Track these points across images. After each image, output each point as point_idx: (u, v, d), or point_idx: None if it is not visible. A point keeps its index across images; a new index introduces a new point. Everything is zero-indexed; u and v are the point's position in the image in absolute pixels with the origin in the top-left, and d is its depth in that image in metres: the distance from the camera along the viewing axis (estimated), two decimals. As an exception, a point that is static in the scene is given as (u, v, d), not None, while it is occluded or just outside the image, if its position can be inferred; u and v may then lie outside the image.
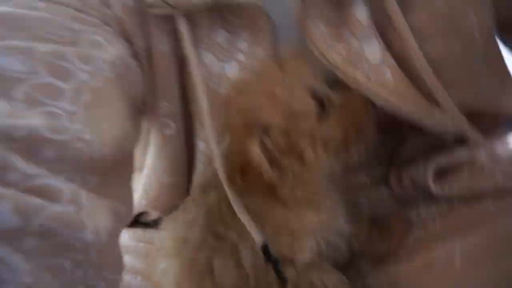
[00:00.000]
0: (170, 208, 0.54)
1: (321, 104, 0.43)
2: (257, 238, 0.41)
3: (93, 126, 0.35)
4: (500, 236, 0.40)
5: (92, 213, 0.31)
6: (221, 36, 0.45)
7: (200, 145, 0.48)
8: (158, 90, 0.47)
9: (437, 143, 0.47)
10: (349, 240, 0.46)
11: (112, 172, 0.37)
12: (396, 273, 0.45)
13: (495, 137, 0.46)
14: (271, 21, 0.45)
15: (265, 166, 0.40)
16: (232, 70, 0.45)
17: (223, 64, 0.46)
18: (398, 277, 0.45)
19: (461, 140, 0.45)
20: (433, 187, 0.46)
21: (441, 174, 0.46)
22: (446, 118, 0.42)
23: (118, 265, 0.34)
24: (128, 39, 0.43)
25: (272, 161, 0.41)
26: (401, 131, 0.52)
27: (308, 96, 0.42)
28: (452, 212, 0.45)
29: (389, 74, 0.42)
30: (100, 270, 0.31)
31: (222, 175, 0.41)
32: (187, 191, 0.52)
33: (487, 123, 0.45)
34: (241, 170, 0.41)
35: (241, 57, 0.46)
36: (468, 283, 0.39)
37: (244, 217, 0.41)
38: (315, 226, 0.43)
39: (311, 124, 0.42)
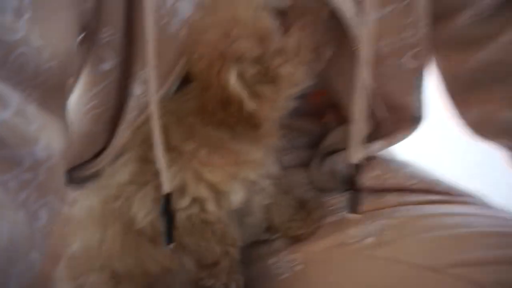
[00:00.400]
0: (76, 161, 0.51)
1: (283, 19, 0.43)
2: (166, 186, 0.42)
3: (43, 32, 0.32)
4: (403, 221, 0.48)
5: (43, 128, 0.30)
6: None
7: (136, 90, 0.46)
8: (103, 11, 0.44)
9: None
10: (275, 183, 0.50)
11: (55, 92, 0.35)
12: (312, 250, 0.50)
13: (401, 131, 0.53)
14: None
15: (245, 97, 0.40)
16: (185, 8, 0.43)
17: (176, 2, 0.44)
18: (313, 253, 0.49)
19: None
20: (350, 177, 0.50)
21: (358, 166, 0.51)
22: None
23: (62, 193, 0.32)
24: None
25: (250, 91, 0.41)
26: (326, 123, 0.58)
27: (270, 15, 0.42)
28: (363, 201, 0.50)
29: None
30: (45, 194, 0.29)
31: (155, 124, 0.41)
32: (105, 143, 0.51)
33: (398, 116, 0.52)
34: (221, 103, 0.41)
35: None
36: (377, 259, 0.44)
37: (161, 164, 0.42)
38: (256, 161, 0.46)
39: (279, 41, 0.42)
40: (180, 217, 0.44)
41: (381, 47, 0.47)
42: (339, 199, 0.55)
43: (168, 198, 0.43)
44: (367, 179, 0.52)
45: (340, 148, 0.54)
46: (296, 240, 0.52)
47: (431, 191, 0.52)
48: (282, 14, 0.43)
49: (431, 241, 0.43)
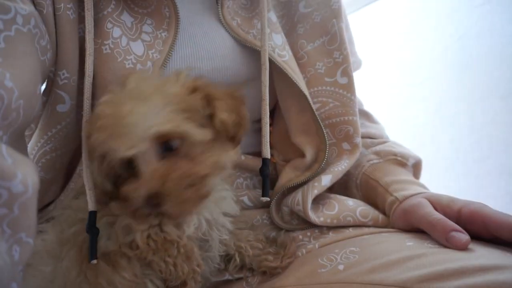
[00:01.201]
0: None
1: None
2: (90, 204, 0.45)
3: (13, 73, 0.36)
4: (364, 247, 0.51)
5: (18, 164, 0.31)
6: (127, 18, 0.52)
7: None
8: (60, 55, 0.50)
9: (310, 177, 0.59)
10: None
11: (21, 134, 0.38)
12: (285, 283, 0.51)
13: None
14: (176, 10, 0.54)
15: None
16: (138, 48, 0.53)
17: (129, 42, 0.52)
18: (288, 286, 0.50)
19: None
20: (312, 217, 0.56)
21: (316, 206, 0.58)
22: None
23: (33, 229, 0.33)
24: (36, 4, 0.47)
25: None
26: (275, 163, 0.65)
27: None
28: (324, 236, 0.56)
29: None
30: (18, 230, 0.30)
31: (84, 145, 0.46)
32: (55, 193, 0.55)
33: (343, 139, 0.62)
34: None
35: (146, 37, 0.53)
36: (353, 282, 0.46)
37: (86, 183, 0.46)
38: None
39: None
40: (141, 237, 0.45)
41: (318, 69, 0.61)
42: (305, 234, 0.58)
43: (92, 216, 0.45)
44: (327, 217, 0.57)
45: (295, 186, 0.59)
46: (270, 273, 0.53)
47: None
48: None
49: (393, 262, 0.45)
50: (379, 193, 0.59)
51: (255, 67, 0.58)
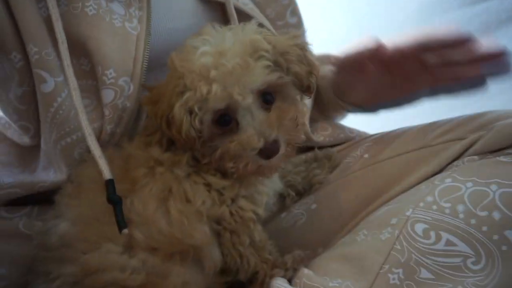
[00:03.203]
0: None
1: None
2: (105, 173, 0.45)
3: None
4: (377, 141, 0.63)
5: None
6: None
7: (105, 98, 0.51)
8: (22, 30, 0.47)
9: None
10: None
11: None
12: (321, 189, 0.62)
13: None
14: None
15: (185, 121, 0.43)
16: (118, 8, 0.52)
17: (108, 3, 0.51)
18: (323, 191, 0.61)
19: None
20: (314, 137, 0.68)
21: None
22: None
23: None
24: None
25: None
26: None
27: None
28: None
29: None
30: None
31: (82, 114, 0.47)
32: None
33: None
34: (166, 120, 0.45)
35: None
36: (381, 161, 0.58)
37: (97, 153, 0.46)
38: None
39: None
40: (226, 212, 0.47)
41: (269, 15, 0.69)
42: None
43: (111, 184, 0.45)
44: (325, 136, 0.69)
45: None
46: (317, 184, 0.61)
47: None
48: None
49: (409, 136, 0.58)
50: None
51: (223, 21, 0.60)
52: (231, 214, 0.47)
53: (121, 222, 0.43)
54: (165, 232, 0.44)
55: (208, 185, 0.47)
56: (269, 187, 0.52)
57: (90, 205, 0.46)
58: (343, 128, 0.71)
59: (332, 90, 0.68)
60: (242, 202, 0.48)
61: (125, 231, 0.43)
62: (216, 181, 0.47)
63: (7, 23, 0.47)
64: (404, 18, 1.44)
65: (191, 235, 0.45)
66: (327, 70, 0.69)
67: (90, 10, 0.49)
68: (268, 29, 0.61)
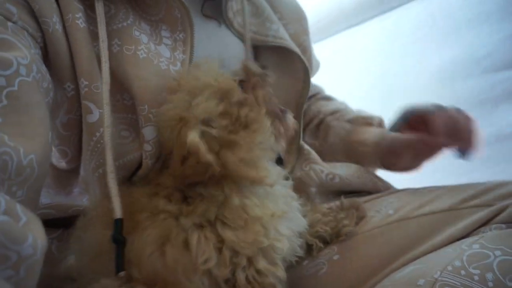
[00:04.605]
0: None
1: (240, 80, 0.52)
2: (117, 212, 0.45)
3: (14, 133, 0.36)
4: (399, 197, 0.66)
5: (31, 224, 0.31)
6: (145, 27, 0.57)
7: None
8: (77, 64, 0.51)
9: None
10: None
11: (36, 189, 0.37)
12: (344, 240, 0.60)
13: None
14: (186, 9, 0.57)
15: (202, 149, 0.43)
16: (165, 51, 0.56)
17: (156, 46, 0.56)
18: (345, 242, 0.59)
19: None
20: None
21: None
22: None
23: None
24: (41, 23, 0.48)
25: (212, 149, 0.44)
26: None
27: (229, 76, 0.51)
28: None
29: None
30: None
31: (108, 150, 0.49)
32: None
33: None
34: (181, 159, 0.45)
35: (167, 41, 0.58)
36: (407, 219, 0.58)
37: (112, 190, 0.47)
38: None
39: (240, 95, 0.50)
40: (240, 278, 0.44)
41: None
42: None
43: (118, 224, 0.45)
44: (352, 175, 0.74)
45: None
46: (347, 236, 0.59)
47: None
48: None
49: (433, 197, 0.59)
50: (360, 151, 0.76)
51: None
52: (248, 281, 0.44)
53: (120, 265, 0.43)
54: (161, 275, 0.43)
55: (221, 242, 0.44)
56: (288, 227, 0.49)
57: (96, 239, 0.46)
58: (369, 175, 0.75)
59: (380, 161, 0.75)
60: (261, 264, 0.44)
61: (122, 273, 0.43)
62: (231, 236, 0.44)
63: (66, 57, 0.51)
64: (426, 82, 1.43)
65: (186, 286, 0.43)
66: (370, 135, 0.76)
67: (141, 54, 0.54)
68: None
